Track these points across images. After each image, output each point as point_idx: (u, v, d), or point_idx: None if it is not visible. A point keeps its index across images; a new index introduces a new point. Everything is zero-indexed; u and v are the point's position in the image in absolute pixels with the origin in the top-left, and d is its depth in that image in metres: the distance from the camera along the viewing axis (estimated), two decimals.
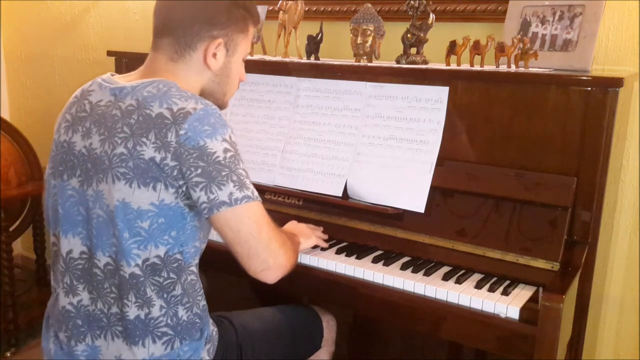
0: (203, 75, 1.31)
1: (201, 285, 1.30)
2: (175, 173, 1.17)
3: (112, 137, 1.20)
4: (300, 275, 1.54)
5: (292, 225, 1.60)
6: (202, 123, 1.17)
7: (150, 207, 1.18)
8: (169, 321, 1.24)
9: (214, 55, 1.29)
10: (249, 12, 1.33)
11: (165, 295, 1.23)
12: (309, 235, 1.58)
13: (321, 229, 1.66)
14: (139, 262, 1.20)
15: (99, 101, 1.26)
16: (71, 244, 1.27)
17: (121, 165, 1.18)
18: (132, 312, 1.22)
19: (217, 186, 1.16)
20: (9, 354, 2.52)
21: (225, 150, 1.18)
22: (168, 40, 1.28)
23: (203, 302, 1.30)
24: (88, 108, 1.27)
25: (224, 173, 1.17)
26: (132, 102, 1.21)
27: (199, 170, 1.16)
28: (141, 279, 1.21)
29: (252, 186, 1.22)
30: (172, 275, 1.23)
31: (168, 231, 1.20)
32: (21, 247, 3.33)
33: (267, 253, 1.21)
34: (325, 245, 1.62)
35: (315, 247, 1.60)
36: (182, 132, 1.16)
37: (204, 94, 1.33)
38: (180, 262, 1.23)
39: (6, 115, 3.24)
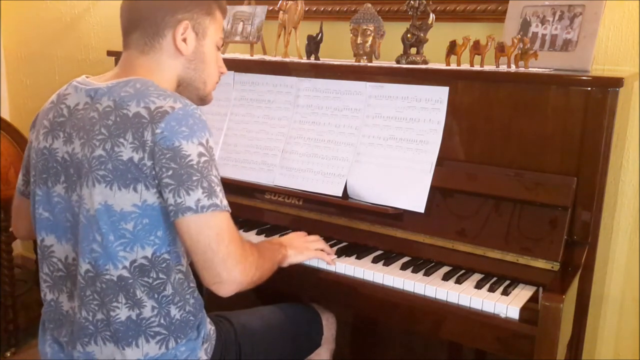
0: (177, 63, 1.29)
1: (189, 284, 1.29)
2: (153, 173, 1.15)
3: (91, 140, 1.18)
4: (300, 275, 1.54)
5: (287, 237, 1.52)
6: (180, 124, 1.15)
7: (133, 209, 1.16)
8: (161, 321, 1.23)
9: (184, 40, 1.28)
10: None
11: (156, 296, 1.22)
12: (301, 249, 1.49)
13: (322, 240, 1.57)
14: (127, 264, 1.19)
15: (76, 105, 1.24)
16: (66, 251, 1.26)
17: (100, 168, 1.16)
18: (123, 313, 1.21)
19: (186, 191, 1.13)
20: (9, 354, 2.52)
21: (200, 155, 1.15)
22: (136, 34, 1.27)
23: (192, 300, 1.29)
24: (66, 112, 1.25)
25: (194, 178, 1.14)
26: (110, 102, 1.19)
27: (170, 172, 1.13)
28: (130, 280, 1.19)
29: (222, 195, 1.18)
30: (161, 275, 1.22)
31: (154, 231, 1.19)
32: (21, 247, 3.33)
33: (221, 267, 1.15)
34: (329, 259, 1.53)
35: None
36: (158, 131, 1.13)
37: (182, 84, 1.32)
38: (168, 261, 1.22)
39: (6, 115, 3.24)
